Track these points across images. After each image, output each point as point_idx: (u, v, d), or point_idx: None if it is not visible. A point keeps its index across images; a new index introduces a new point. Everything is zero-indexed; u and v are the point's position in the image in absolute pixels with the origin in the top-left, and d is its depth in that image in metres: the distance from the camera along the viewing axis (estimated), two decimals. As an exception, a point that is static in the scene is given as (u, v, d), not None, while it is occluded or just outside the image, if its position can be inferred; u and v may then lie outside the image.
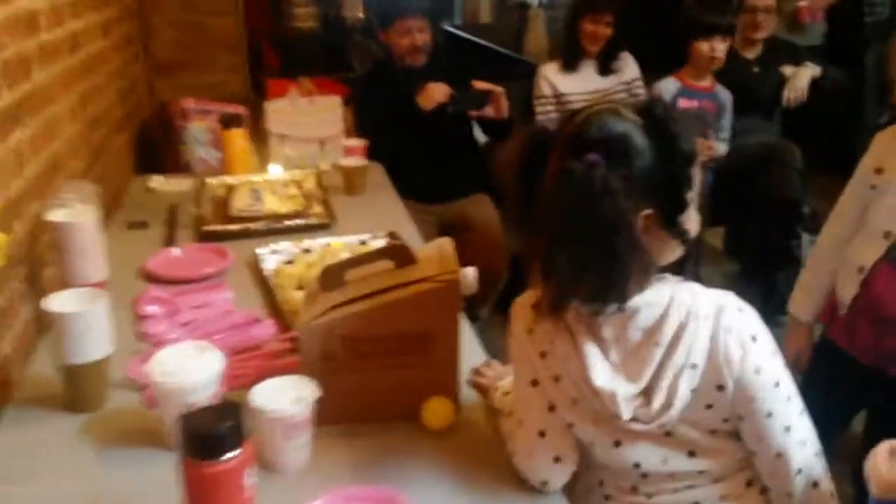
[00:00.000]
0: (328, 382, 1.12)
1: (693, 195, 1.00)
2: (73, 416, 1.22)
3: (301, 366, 1.16)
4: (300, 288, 1.54)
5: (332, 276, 1.19)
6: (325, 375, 1.13)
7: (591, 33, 2.94)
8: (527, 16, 6.22)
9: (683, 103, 2.96)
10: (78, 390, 1.21)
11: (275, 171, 2.22)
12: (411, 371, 1.16)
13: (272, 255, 1.77)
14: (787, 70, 3.08)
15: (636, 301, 0.96)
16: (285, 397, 1.06)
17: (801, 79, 3.04)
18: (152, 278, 1.69)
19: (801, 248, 2.99)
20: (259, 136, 2.67)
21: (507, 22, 6.54)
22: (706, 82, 2.97)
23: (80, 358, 1.17)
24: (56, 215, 1.44)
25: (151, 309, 1.51)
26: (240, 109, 2.75)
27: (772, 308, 2.97)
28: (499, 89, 2.61)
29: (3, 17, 1.43)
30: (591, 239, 0.93)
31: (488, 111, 2.61)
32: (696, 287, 1.01)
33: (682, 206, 0.98)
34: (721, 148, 2.97)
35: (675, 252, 1.01)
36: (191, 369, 1.07)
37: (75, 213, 1.46)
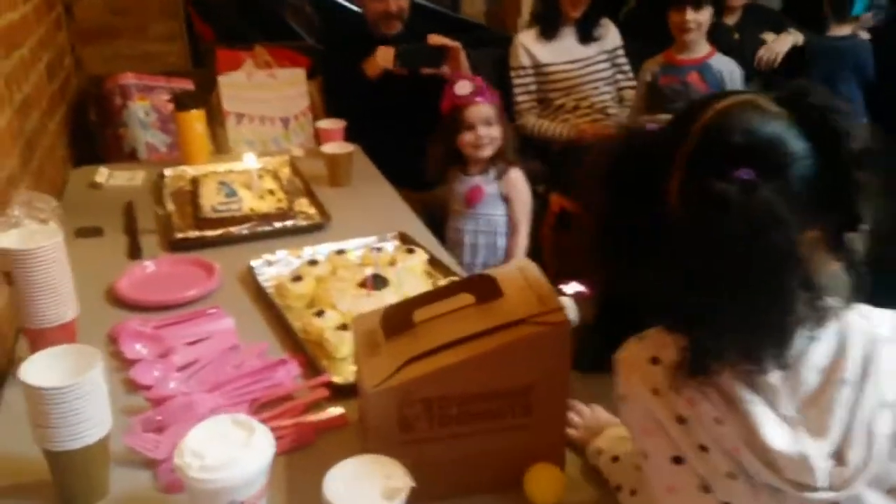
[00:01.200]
0: (407, 455, 0.88)
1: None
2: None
3: (370, 437, 0.91)
4: (320, 313, 1.27)
5: (397, 318, 0.95)
6: (404, 447, 0.90)
7: (572, -4, 2.70)
8: (462, -25, 5.94)
9: (664, 80, 2.77)
10: (73, 481, 0.92)
11: (249, 160, 1.90)
12: (510, 434, 0.93)
13: (268, 268, 1.49)
14: (769, 37, 2.96)
15: (802, 340, 0.76)
16: (372, 488, 0.81)
17: (780, 44, 2.92)
18: (125, 304, 1.39)
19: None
20: (209, 115, 2.33)
21: (440, -18, 6.23)
22: (697, 54, 2.78)
23: (75, 442, 0.88)
24: (8, 240, 1.12)
25: (136, 349, 1.22)
26: (187, 84, 2.40)
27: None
28: (455, 44, 2.36)
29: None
30: (751, 282, 0.71)
31: (445, 70, 2.35)
32: (862, 308, 0.81)
33: (853, 221, 0.77)
34: None
35: (835, 278, 0.81)
36: (237, 460, 0.81)
37: (33, 236, 1.13)
